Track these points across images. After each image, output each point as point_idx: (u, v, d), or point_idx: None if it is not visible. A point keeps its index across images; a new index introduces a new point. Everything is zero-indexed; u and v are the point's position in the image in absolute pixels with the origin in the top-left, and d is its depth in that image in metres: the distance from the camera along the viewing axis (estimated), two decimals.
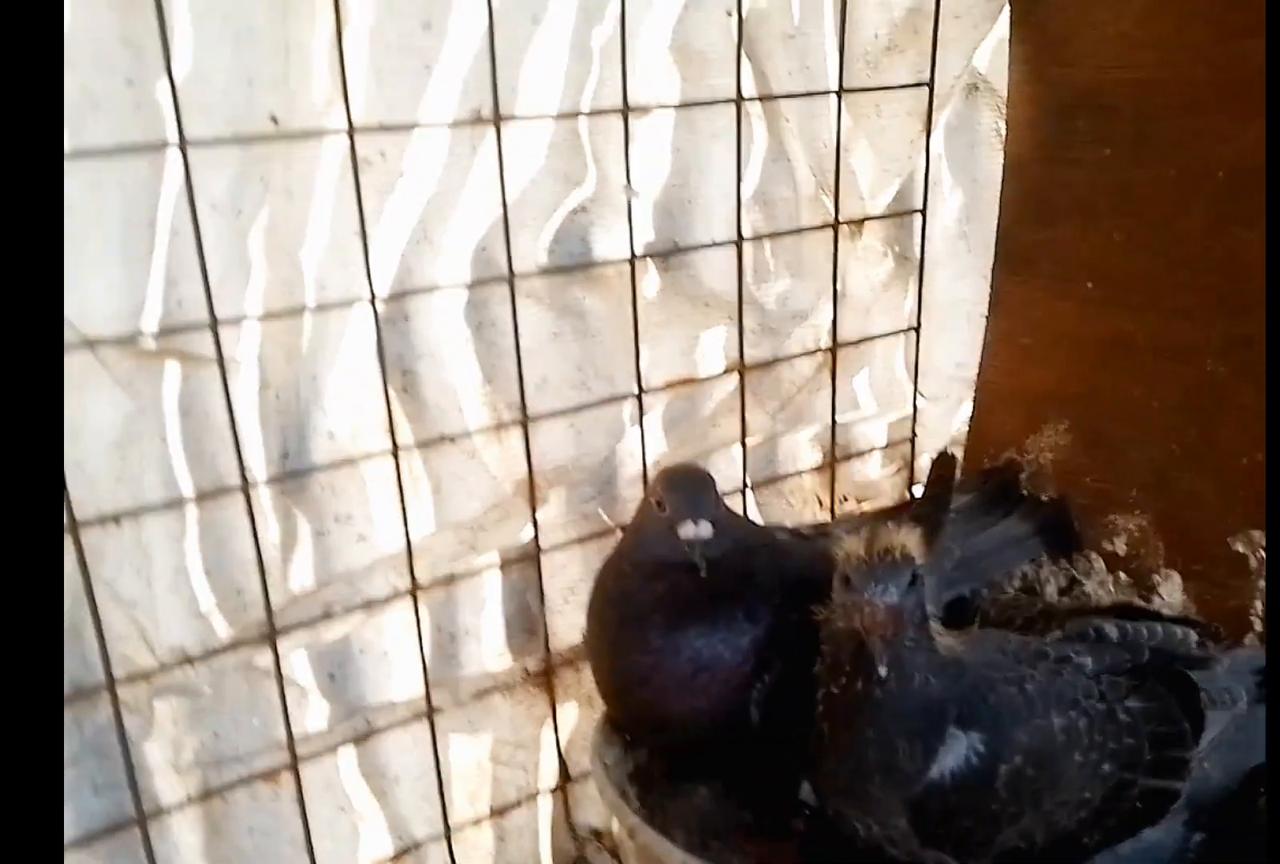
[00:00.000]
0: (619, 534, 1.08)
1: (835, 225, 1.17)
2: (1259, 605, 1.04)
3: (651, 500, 0.91)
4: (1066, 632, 0.94)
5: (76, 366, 0.79)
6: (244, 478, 0.88)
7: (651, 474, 1.12)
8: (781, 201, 1.15)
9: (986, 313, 1.27)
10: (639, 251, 1.05)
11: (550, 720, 1.16)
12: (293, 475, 0.94)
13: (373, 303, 0.91)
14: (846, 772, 0.82)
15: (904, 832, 0.81)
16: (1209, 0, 0.98)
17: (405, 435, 0.99)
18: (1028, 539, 1.20)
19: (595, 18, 0.96)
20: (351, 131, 0.85)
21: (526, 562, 1.10)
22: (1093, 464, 1.18)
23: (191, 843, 0.96)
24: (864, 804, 0.82)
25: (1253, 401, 1.02)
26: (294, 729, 0.97)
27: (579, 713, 1.20)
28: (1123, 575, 1.17)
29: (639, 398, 1.10)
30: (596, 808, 1.22)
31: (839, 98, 1.11)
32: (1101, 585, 1.19)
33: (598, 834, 1.24)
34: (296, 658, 1.00)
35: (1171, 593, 1.12)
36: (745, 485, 1.23)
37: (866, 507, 1.37)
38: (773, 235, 1.15)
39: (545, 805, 1.21)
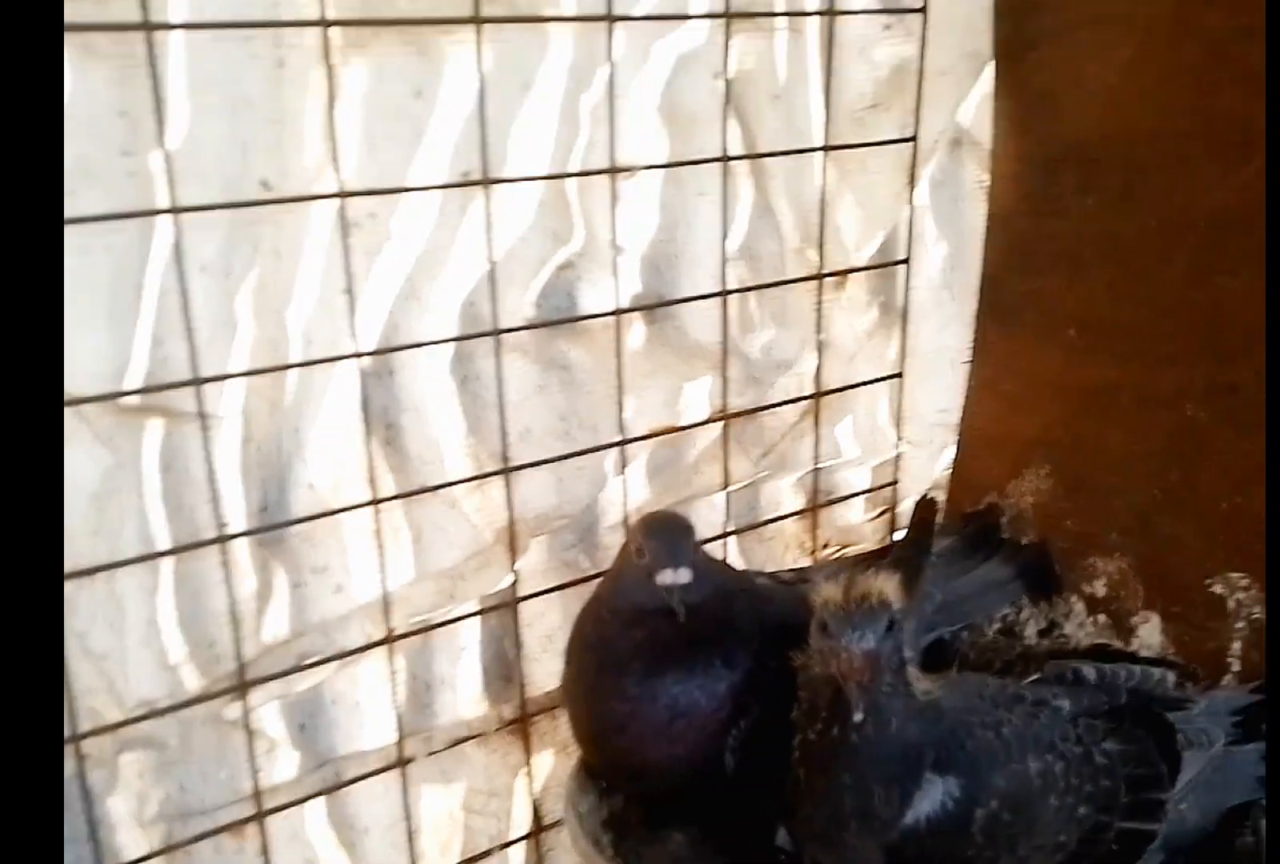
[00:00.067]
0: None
1: (820, 277, 1.22)
2: (1237, 647, 1.08)
3: (630, 547, 0.94)
4: (1045, 674, 0.99)
5: None
6: (220, 530, 0.93)
7: (634, 520, 1.16)
8: (767, 255, 1.21)
9: (970, 360, 1.32)
10: (625, 305, 1.11)
11: (525, 769, 1.21)
12: (271, 527, 0.99)
13: (358, 358, 0.97)
14: (822, 818, 0.85)
15: None
16: (1191, 54, 1.04)
17: (387, 487, 1.04)
18: (1008, 582, 1.25)
19: (585, 82, 1.02)
20: (342, 195, 0.91)
21: (505, 609, 1.15)
22: (1074, 508, 1.23)
23: None
24: (840, 850, 0.85)
25: (1233, 447, 1.07)
26: (262, 781, 1.02)
27: (554, 761, 1.24)
28: (1102, 617, 1.21)
29: (622, 447, 1.16)
30: (570, 857, 1.25)
31: (825, 154, 1.17)
32: (1081, 628, 1.23)
33: None
34: (267, 709, 1.04)
35: (1150, 635, 1.17)
36: (727, 531, 1.28)
37: (849, 551, 1.44)
38: (758, 287, 1.21)
39: (518, 855, 1.25)
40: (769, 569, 1.27)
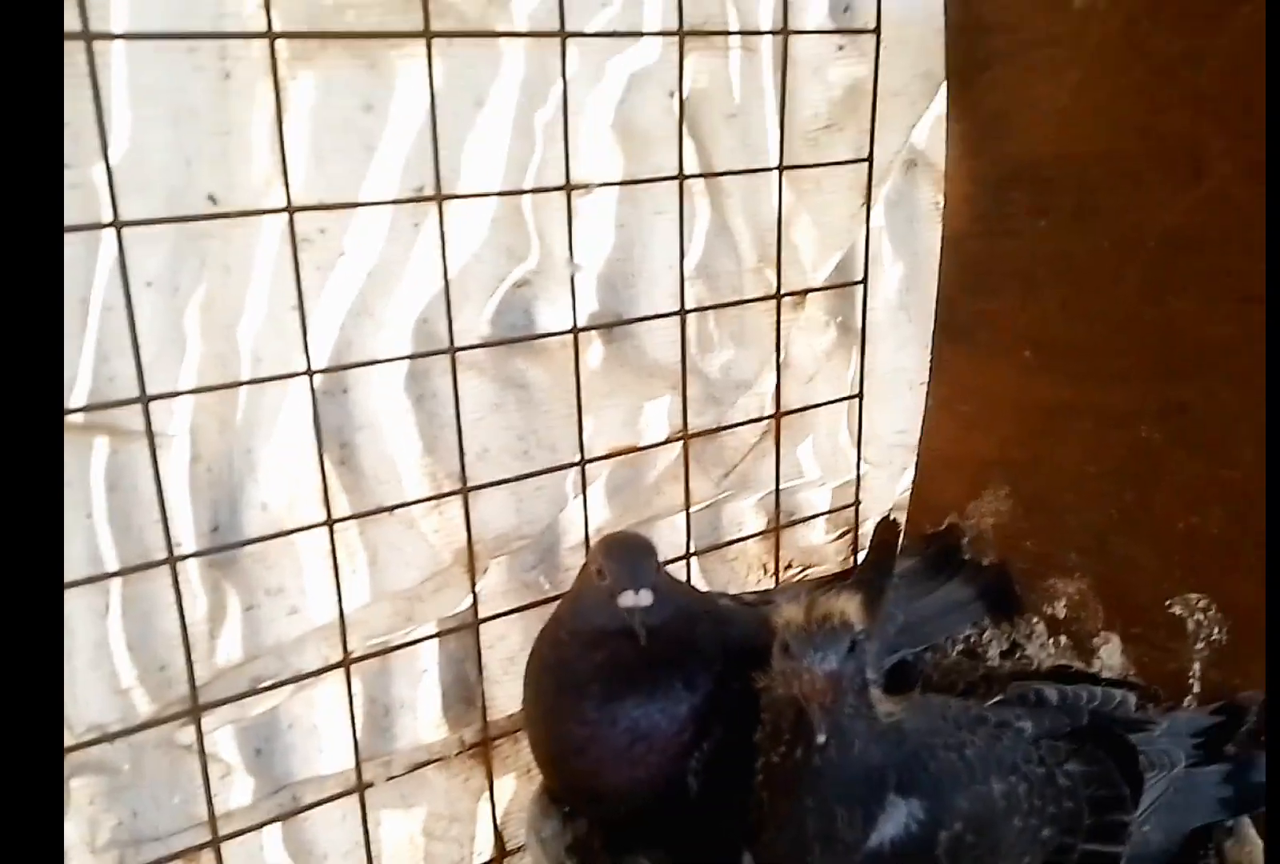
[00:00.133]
0: None
1: (778, 297, 1.20)
2: (1197, 668, 1.07)
3: (591, 568, 0.91)
4: (1007, 696, 0.97)
5: None
6: (171, 552, 0.89)
7: (595, 541, 1.13)
8: (725, 274, 1.18)
9: (927, 381, 1.31)
10: (582, 323, 1.07)
11: (487, 793, 1.16)
12: (223, 548, 0.95)
13: (309, 376, 0.93)
14: (786, 841, 0.82)
15: None
16: (1140, 76, 1.03)
17: (342, 507, 1.00)
18: (970, 603, 1.23)
19: (538, 99, 0.99)
20: (291, 210, 0.87)
21: (465, 631, 1.10)
22: (1033, 529, 1.21)
23: None
24: None
25: (1185, 468, 1.05)
26: (217, 806, 0.97)
27: (517, 785, 1.20)
28: (1063, 638, 1.20)
29: (582, 466, 1.12)
30: None
31: (780, 174, 1.15)
32: (1042, 648, 1.21)
33: None
34: (221, 733, 1.00)
35: (1111, 655, 1.15)
36: (689, 552, 1.25)
37: (812, 573, 1.40)
38: (716, 307, 1.18)
39: None
40: (732, 590, 1.25)
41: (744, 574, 1.34)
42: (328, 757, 1.06)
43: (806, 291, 1.25)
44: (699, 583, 1.29)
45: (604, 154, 1.06)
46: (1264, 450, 0.98)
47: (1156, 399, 1.07)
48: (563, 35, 0.96)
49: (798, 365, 1.28)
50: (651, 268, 1.12)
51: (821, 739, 0.76)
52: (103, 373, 0.86)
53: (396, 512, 1.03)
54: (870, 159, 1.20)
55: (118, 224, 0.80)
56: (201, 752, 0.95)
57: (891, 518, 1.25)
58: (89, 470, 0.88)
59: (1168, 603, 1.08)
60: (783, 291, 1.20)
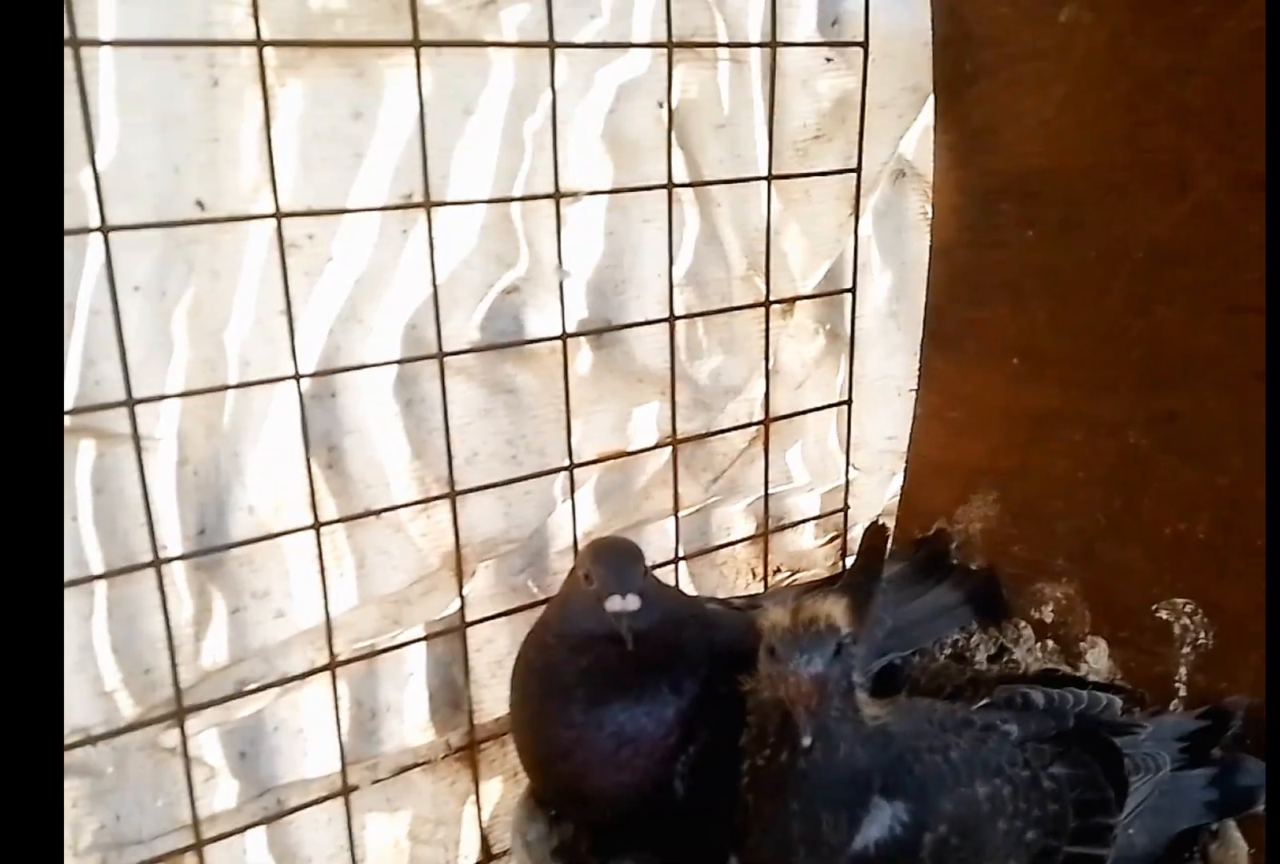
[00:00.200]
0: None
1: (767, 304, 1.19)
2: (1183, 672, 1.06)
3: (579, 573, 0.91)
4: (994, 699, 0.96)
5: None
6: (156, 554, 0.88)
7: (583, 546, 1.12)
8: (714, 281, 1.17)
9: (916, 388, 1.30)
10: (571, 329, 1.06)
11: (473, 796, 1.15)
12: (209, 551, 0.94)
13: (297, 380, 0.92)
14: (771, 844, 0.81)
15: None
16: (1126, 89, 1.02)
17: (329, 510, 0.99)
18: (958, 607, 1.22)
19: (527, 108, 0.98)
20: (279, 216, 0.86)
21: (452, 635, 1.09)
22: (1021, 534, 1.21)
23: None
24: None
25: (1175, 474, 1.05)
26: (200, 809, 0.96)
27: (504, 788, 1.18)
28: (1050, 643, 1.19)
29: (570, 471, 1.11)
30: None
31: (769, 184, 1.14)
32: (1030, 653, 1.21)
33: None
34: (206, 736, 0.98)
35: (1098, 660, 1.14)
36: (678, 557, 1.23)
37: (801, 577, 1.39)
38: (705, 314, 1.17)
39: None
40: (720, 595, 1.24)
41: (733, 578, 1.33)
42: (313, 760, 1.05)
43: (795, 299, 1.24)
44: (688, 587, 1.28)
45: (593, 163, 1.05)
46: (1251, 457, 0.99)
47: (1144, 408, 1.07)
48: (551, 46, 0.95)
49: (787, 372, 1.27)
50: (641, 275, 1.11)
51: (807, 742, 0.75)
52: (89, 376, 0.85)
53: (384, 515, 1.02)
54: (859, 169, 1.19)
55: (105, 229, 0.79)
56: (186, 754, 0.94)
57: (880, 523, 1.24)
58: (75, 473, 0.87)
59: (1154, 608, 1.08)
60: (772, 299, 1.19)
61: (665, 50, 1.02)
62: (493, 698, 1.13)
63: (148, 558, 0.88)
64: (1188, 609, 1.06)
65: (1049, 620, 1.19)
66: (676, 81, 1.05)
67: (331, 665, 1.01)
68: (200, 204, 0.85)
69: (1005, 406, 1.20)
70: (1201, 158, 0.98)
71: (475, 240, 1.00)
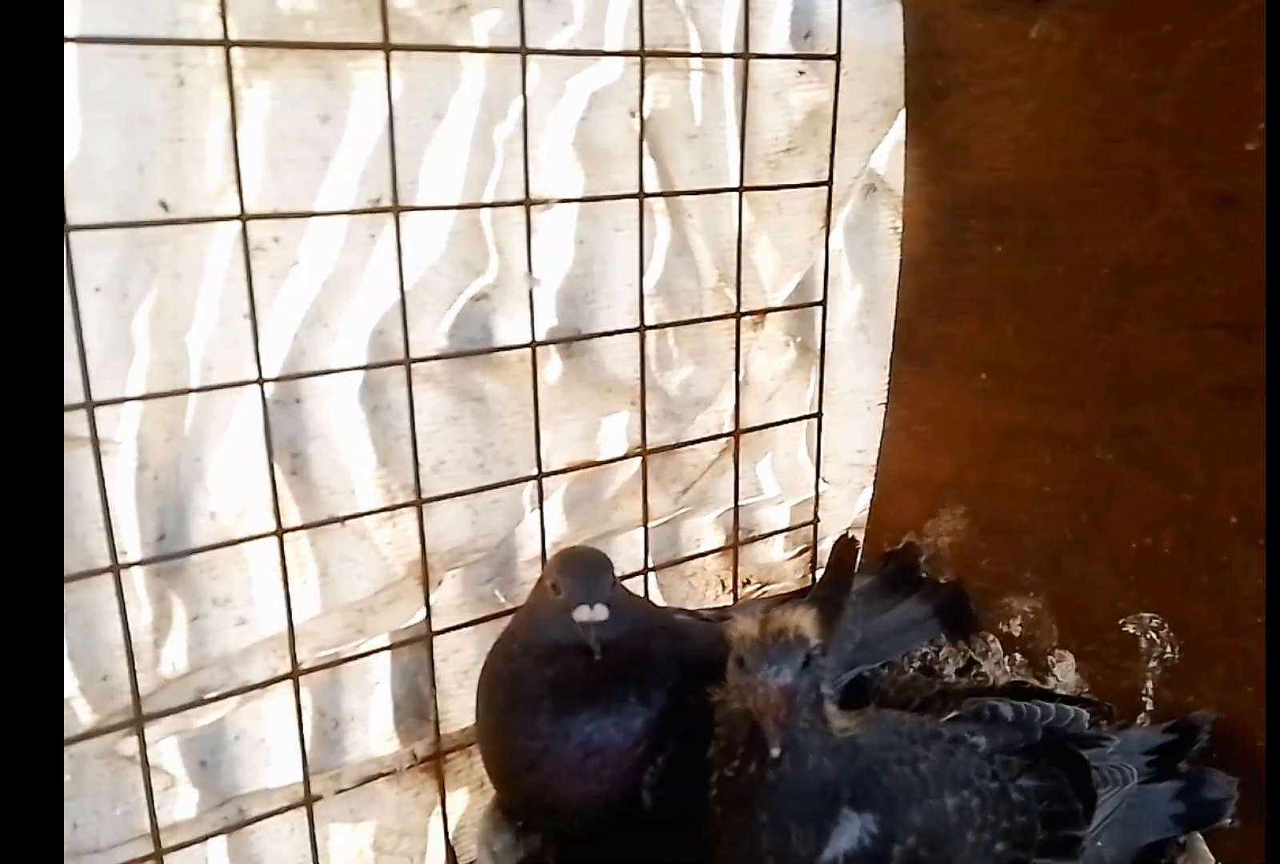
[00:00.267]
0: None
1: (738, 316, 1.18)
2: (1150, 686, 1.06)
3: (547, 583, 0.89)
4: (963, 711, 0.95)
5: None
6: (115, 560, 0.85)
7: (551, 556, 1.10)
8: (684, 292, 1.16)
9: (886, 402, 1.29)
10: (541, 338, 1.05)
11: (439, 807, 1.12)
12: (169, 557, 0.91)
13: (261, 384, 0.89)
14: (740, 856, 0.80)
15: None
16: (1097, 105, 1.02)
17: (293, 517, 0.96)
18: (926, 620, 1.21)
19: (498, 114, 0.97)
20: (244, 218, 0.84)
21: (418, 644, 1.07)
22: (989, 548, 1.20)
23: None
24: None
25: (1140, 489, 1.04)
26: (160, 818, 0.93)
27: (470, 799, 1.16)
28: (1018, 656, 1.18)
29: (539, 480, 1.09)
30: None
31: (740, 195, 1.13)
32: (998, 666, 1.20)
33: None
34: (165, 745, 0.96)
35: (1065, 673, 1.13)
36: (647, 567, 1.22)
37: (771, 589, 1.37)
38: (676, 324, 1.16)
39: None
40: (690, 606, 1.22)
41: (702, 590, 1.31)
42: (275, 769, 1.02)
43: (766, 311, 1.23)
44: (657, 598, 1.26)
45: (564, 171, 1.04)
46: (1215, 473, 0.99)
47: (1110, 423, 1.06)
48: (523, 52, 0.94)
49: (757, 384, 1.25)
50: (611, 284, 1.10)
51: (775, 753, 0.74)
52: None
53: (349, 523, 1.00)
54: (830, 183, 1.18)
55: (65, 228, 0.77)
56: (145, 763, 0.91)
57: (850, 536, 1.24)
58: None
59: (1121, 622, 1.07)
60: (742, 311, 1.18)
61: (638, 59, 1.01)
62: (459, 708, 1.11)
63: (106, 563, 0.86)
64: (1154, 624, 1.05)
65: (1017, 634, 1.18)
66: (649, 91, 1.03)
67: (294, 674, 0.98)
68: (164, 205, 0.83)
69: (974, 421, 1.20)
70: (1170, 175, 0.97)
71: (444, 246, 0.99)
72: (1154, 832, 0.96)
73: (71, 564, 0.86)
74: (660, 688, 0.89)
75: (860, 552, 1.24)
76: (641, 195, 1.05)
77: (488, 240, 1.01)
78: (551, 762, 0.87)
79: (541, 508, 1.10)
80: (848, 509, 1.36)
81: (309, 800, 1.02)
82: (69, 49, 0.76)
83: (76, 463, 0.84)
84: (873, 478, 1.32)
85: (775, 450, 1.31)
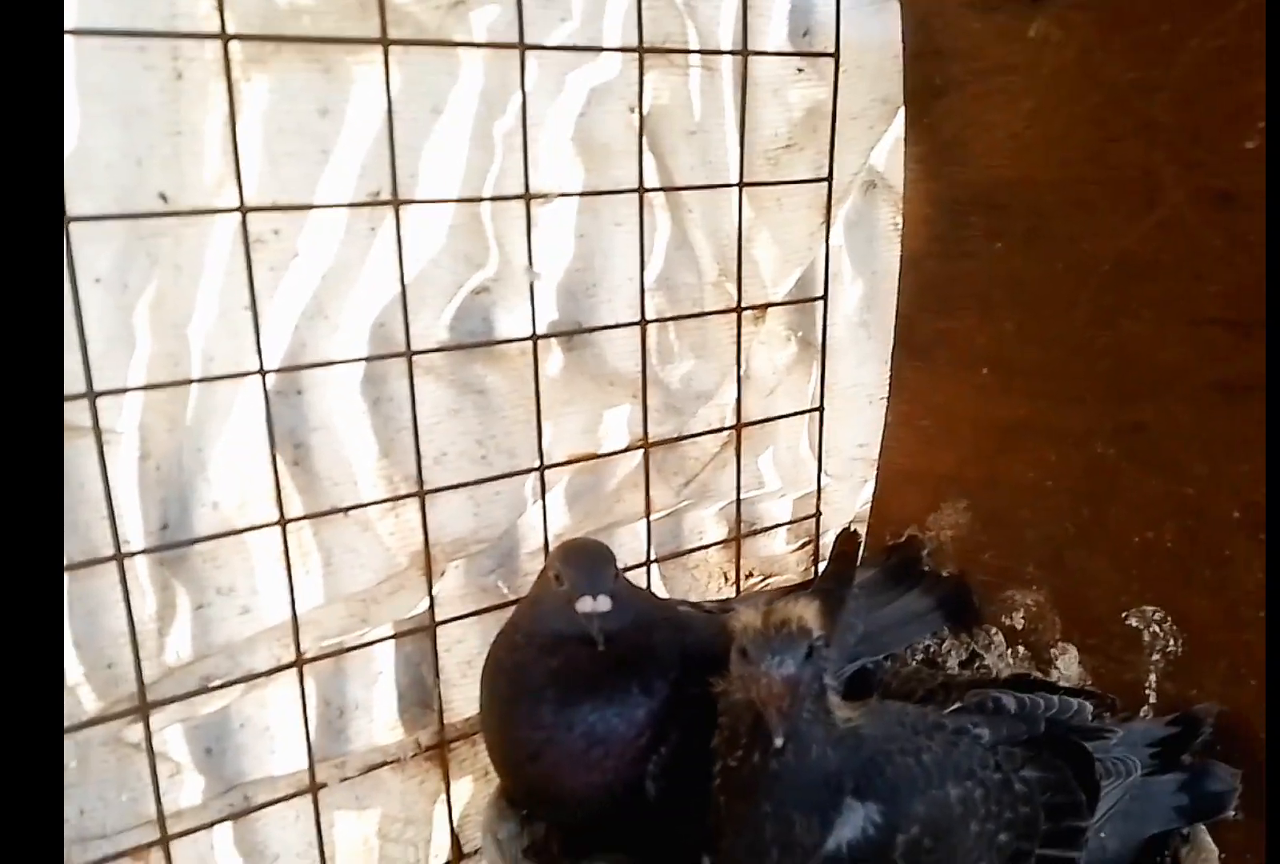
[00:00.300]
0: None
1: (738, 310, 1.15)
2: (1153, 679, 1.03)
3: (550, 574, 0.87)
4: (965, 703, 0.93)
5: None
6: (118, 549, 0.84)
7: (554, 548, 1.08)
8: (685, 286, 1.14)
9: (887, 396, 1.27)
10: (542, 331, 1.03)
11: (443, 795, 1.11)
12: (172, 546, 0.89)
13: (262, 376, 0.88)
14: (744, 846, 0.78)
15: None
16: (1095, 103, 1.00)
17: (295, 507, 0.95)
18: (929, 613, 1.19)
19: (497, 109, 0.95)
20: (244, 210, 0.83)
21: (421, 634, 1.05)
22: (991, 542, 1.18)
23: None
24: None
25: (1141, 484, 1.02)
26: (165, 805, 0.91)
27: (474, 787, 1.14)
28: (1021, 649, 1.16)
29: (541, 472, 1.07)
30: None
31: (740, 191, 1.11)
32: (1001, 659, 1.17)
33: None
34: (171, 732, 0.94)
35: (1068, 666, 1.11)
36: (650, 560, 1.19)
37: (774, 582, 1.34)
38: (677, 318, 1.14)
39: None
40: (693, 598, 1.19)
41: (705, 582, 1.29)
42: (280, 757, 1.01)
43: (767, 306, 1.20)
44: (660, 590, 1.24)
45: (564, 166, 1.02)
46: (1215, 467, 0.97)
47: (1111, 419, 1.04)
48: (521, 47, 0.92)
49: (758, 378, 1.23)
50: (612, 278, 1.08)
51: (778, 743, 0.73)
52: None
53: (352, 513, 0.98)
54: (829, 179, 1.16)
55: (65, 220, 0.76)
56: (150, 750, 0.90)
57: (852, 529, 1.21)
58: None
59: (1124, 615, 1.05)
60: (743, 305, 1.16)
61: (636, 55, 0.99)
62: (463, 697, 1.09)
63: (109, 552, 0.84)
64: (1156, 617, 1.03)
65: (1019, 627, 1.16)
66: (648, 87, 1.02)
67: (298, 663, 0.97)
68: (163, 197, 0.81)
69: (975, 416, 1.17)
70: (1168, 173, 0.95)
71: (444, 240, 0.97)
72: (1157, 824, 0.95)
73: (75, 553, 0.85)
74: (663, 678, 0.87)
75: (862, 545, 1.21)
76: (641, 190, 1.04)
77: (488, 234, 1.00)
78: (555, 752, 0.85)
79: (544, 500, 1.08)
80: (850, 503, 1.34)
81: (314, 788, 1.00)
82: (67, 41, 0.74)
83: (79, 453, 0.83)
84: (874, 472, 1.30)
85: (777, 444, 1.29)
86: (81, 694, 0.88)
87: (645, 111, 1.02)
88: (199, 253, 0.85)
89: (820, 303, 1.21)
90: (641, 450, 1.13)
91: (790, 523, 1.33)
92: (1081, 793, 0.86)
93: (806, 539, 1.34)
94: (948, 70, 1.12)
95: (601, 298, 1.07)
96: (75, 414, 0.81)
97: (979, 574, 1.18)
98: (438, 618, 1.05)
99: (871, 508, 1.30)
